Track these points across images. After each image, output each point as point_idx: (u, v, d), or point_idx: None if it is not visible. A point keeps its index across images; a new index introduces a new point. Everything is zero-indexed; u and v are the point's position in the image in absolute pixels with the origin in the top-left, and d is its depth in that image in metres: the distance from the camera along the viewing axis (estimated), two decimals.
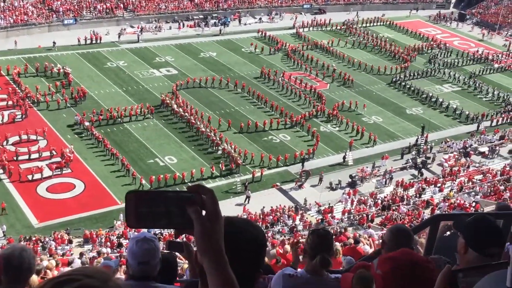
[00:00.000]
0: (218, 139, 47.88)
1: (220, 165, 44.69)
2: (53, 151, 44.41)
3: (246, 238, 2.41)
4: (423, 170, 47.45)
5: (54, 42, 63.73)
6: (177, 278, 6.81)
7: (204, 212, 2.00)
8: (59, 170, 42.91)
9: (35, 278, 4.65)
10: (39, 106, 51.54)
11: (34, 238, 33.80)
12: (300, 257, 6.54)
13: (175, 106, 52.56)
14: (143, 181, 41.92)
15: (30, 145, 45.07)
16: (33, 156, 44.10)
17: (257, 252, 2.45)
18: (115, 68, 61.62)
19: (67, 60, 61.36)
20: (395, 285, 2.74)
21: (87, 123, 48.09)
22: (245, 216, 32.73)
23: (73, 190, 41.35)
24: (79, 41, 65.82)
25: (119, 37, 68.89)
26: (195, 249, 2.08)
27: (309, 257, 5.05)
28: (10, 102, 51.18)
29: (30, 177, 41.70)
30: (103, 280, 1.61)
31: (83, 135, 47.81)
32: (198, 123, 49.93)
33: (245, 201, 41.83)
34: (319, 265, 4.77)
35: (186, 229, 2.03)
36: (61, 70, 57.50)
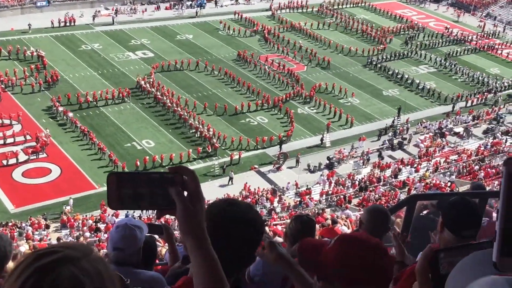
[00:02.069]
0: (185, 114, 47.94)
1: (197, 150, 44.58)
2: (27, 135, 43.81)
3: (247, 220, 2.49)
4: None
5: (29, 25, 62.46)
6: (157, 262, 6.78)
7: (186, 193, 2.01)
8: (35, 154, 42.40)
9: (11, 265, 4.60)
10: (13, 90, 50.71)
11: (10, 224, 33.43)
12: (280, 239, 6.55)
13: (142, 82, 52.42)
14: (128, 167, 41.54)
15: (5, 130, 44.42)
16: (8, 141, 43.50)
17: (255, 235, 2.54)
18: (90, 51, 60.78)
19: (40, 43, 60.26)
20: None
21: (70, 114, 46.91)
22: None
23: (49, 174, 40.89)
24: (52, 23, 64.60)
25: (93, 19, 67.85)
26: (175, 232, 2.09)
27: (290, 243, 5.10)
28: None
29: (5, 162, 41.12)
30: (84, 252, 1.63)
31: (58, 119, 47.19)
32: (165, 98, 49.96)
33: (228, 183, 41.77)
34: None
35: (168, 210, 2.03)
36: (35, 53, 56.53)
